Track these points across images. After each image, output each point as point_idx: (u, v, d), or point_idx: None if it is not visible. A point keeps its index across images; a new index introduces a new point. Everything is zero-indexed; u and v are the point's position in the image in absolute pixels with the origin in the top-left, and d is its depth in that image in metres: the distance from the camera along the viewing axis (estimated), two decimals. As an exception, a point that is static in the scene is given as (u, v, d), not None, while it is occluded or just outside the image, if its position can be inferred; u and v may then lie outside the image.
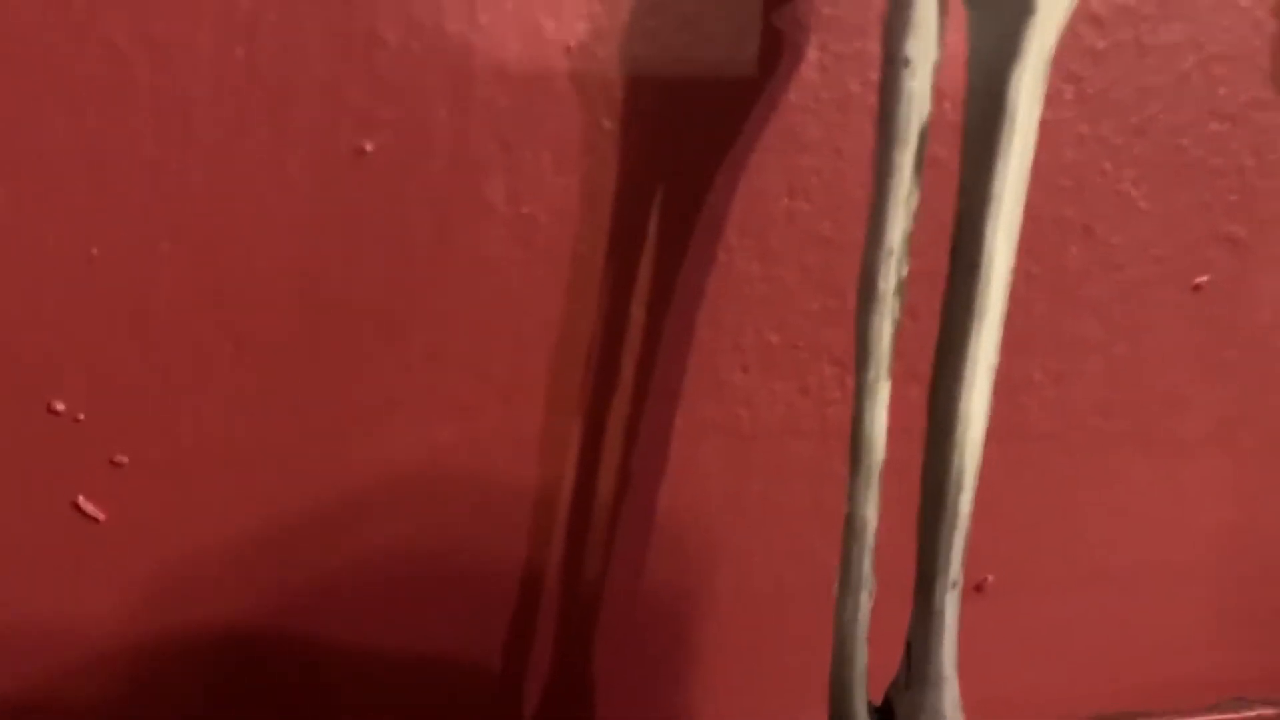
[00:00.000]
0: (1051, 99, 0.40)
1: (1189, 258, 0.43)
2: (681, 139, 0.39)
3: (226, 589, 0.41)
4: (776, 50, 0.38)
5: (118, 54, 0.34)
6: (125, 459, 0.39)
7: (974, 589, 0.46)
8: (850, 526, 0.34)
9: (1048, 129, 0.41)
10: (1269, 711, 0.50)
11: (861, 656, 0.34)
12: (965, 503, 0.33)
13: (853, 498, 0.34)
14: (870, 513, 0.34)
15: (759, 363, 0.42)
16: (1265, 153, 0.42)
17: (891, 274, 0.33)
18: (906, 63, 0.31)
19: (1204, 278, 0.44)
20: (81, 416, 0.38)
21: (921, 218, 0.32)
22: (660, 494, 0.43)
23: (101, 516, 0.39)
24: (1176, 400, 0.45)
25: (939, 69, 0.32)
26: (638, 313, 0.40)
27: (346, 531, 0.41)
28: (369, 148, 0.37)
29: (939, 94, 0.32)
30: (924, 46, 0.32)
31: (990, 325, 0.32)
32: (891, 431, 0.33)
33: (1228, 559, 0.47)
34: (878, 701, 0.34)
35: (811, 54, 0.38)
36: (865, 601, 0.34)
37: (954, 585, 0.33)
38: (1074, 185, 0.42)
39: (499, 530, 0.42)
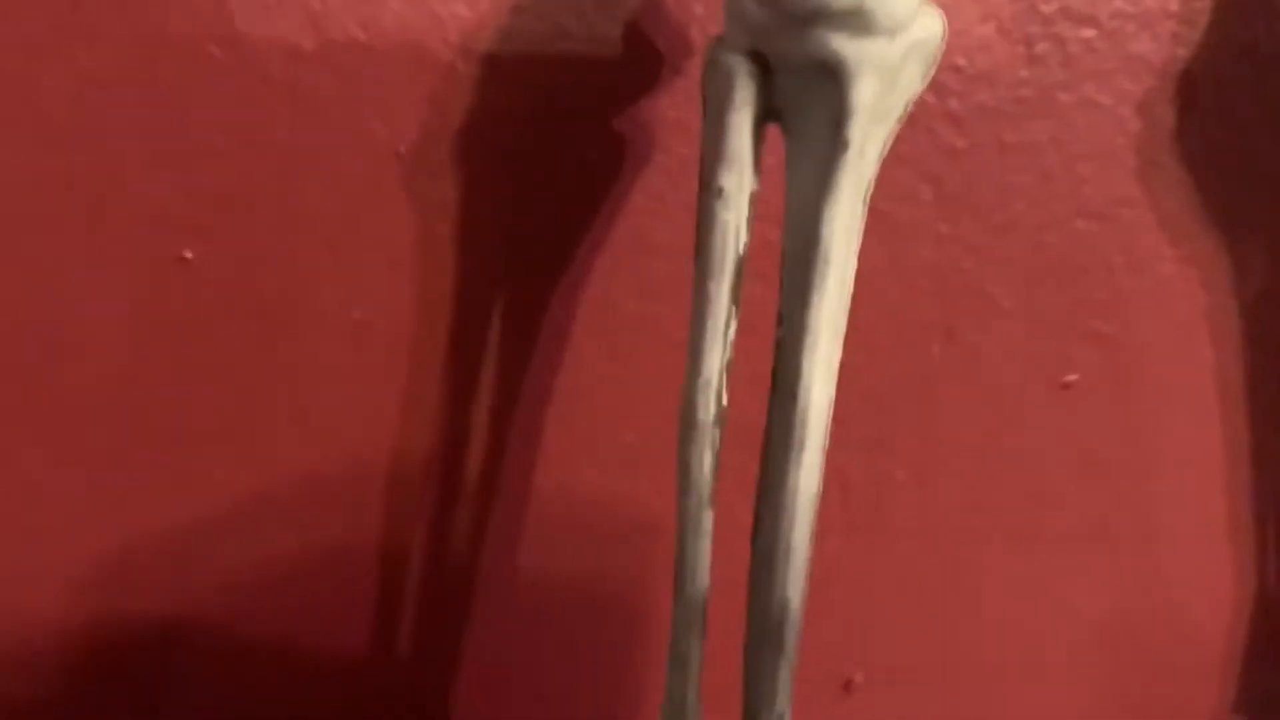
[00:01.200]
0: (909, 198, 0.40)
1: (1057, 357, 0.42)
2: (521, 243, 0.38)
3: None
4: (620, 153, 0.37)
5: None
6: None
7: (842, 688, 0.45)
8: (673, 658, 0.33)
9: (906, 229, 0.40)
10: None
11: (689, 788, 0.33)
12: (791, 636, 0.32)
13: (675, 628, 0.33)
14: (694, 645, 0.33)
15: (615, 461, 0.41)
16: (1133, 250, 0.42)
17: (711, 404, 0.32)
18: (720, 193, 0.30)
19: (1073, 376, 0.43)
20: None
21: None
22: (513, 597, 0.42)
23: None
24: (1047, 497, 0.44)
25: (756, 199, 0.31)
26: (480, 416, 0.39)
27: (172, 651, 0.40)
28: (188, 255, 0.36)
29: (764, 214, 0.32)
30: (739, 177, 0.30)
31: (810, 455, 0.31)
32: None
33: (1102, 653, 0.46)
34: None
35: (657, 157, 0.37)
36: (689, 734, 0.33)
37: (780, 717, 0.32)
38: (934, 285, 0.41)
39: (339, 632, 0.41)
